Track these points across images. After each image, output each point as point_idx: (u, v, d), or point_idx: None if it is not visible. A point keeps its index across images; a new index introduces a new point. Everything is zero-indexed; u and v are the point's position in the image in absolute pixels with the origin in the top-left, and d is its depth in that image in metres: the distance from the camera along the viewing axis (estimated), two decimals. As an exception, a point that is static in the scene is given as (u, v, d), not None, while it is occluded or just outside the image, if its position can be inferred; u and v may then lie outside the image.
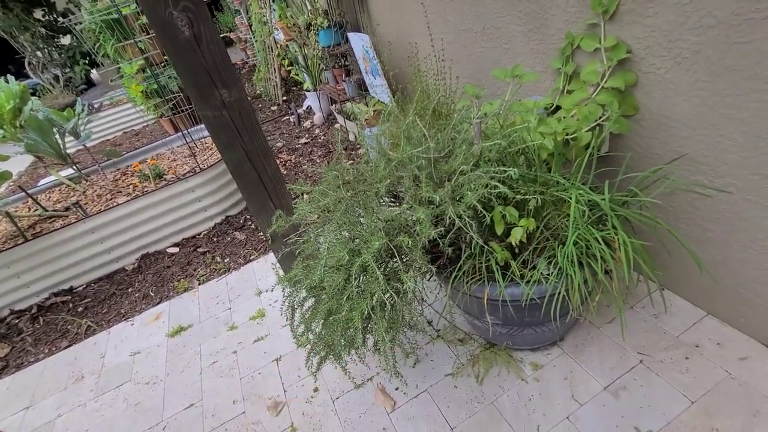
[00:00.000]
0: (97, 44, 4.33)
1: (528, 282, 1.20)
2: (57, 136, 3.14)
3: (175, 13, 1.50)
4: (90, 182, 3.47)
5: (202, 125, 3.86)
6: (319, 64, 4.05)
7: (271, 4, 4.64)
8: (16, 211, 3.24)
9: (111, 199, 3.10)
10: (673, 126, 1.35)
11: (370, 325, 1.14)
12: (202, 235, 3.04)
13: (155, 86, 4.39)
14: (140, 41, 3.98)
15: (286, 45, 4.74)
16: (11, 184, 5.30)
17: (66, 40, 7.68)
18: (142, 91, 4.49)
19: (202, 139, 3.77)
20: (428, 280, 1.49)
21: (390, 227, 1.11)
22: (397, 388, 1.64)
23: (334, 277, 1.11)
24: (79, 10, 6.63)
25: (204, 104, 1.73)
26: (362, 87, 3.51)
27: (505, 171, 1.04)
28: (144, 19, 4.23)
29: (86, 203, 3.12)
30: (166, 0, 1.45)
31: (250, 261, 2.67)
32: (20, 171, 5.90)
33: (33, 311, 2.70)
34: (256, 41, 5.66)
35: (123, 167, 3.66)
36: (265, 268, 2.56)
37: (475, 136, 1.17)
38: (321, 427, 1.58)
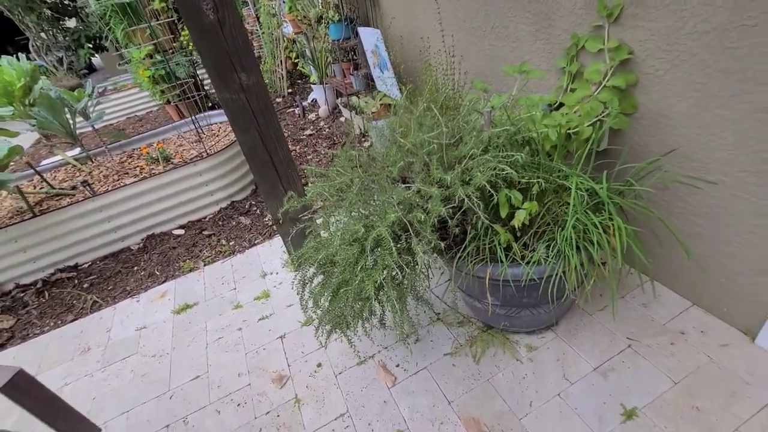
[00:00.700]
0: (108, 27, 4.36)
1: (528, 263, 1.28)
2: (68, 115, 3.18)
3: (203, -4, 1.56)
4: (96, 163, 3.52)
5: (209, 113, 3.92)
6: (327, 58, 4.12)
7: (281, -4, 4.70)
8: (22, 187, 3.27)
9: (118, 180, 3.15)
10: (669, 124, 1.44)
11: (381, 296, 1.21)
12: (207, 219, 3.10)
13: (163, 72, 4.44)
14: (151, 26, 4.02)
15: (294, 38, 4.80)
16: (15, 162, 5.31)
17: (71, 23, 7.68)
18: (149, 77, 4.54)
19: (209, 126, 3.83)
20: (435, 260, 1.57)
21: (404, 205, 1.19)
22: (398, 365, 1.72)
23: (349, 250, 1.18)
24: (87, -7, 6.65)
25: (223, 87, 1.80)
26: (369, 81, 3.58)
27: (512, 156, 1.12)
28: (156, 4, 4.28)
29: (92, 183, 3.17)
30: (195, -16, 1.51)
31: (255, 245, 2.74)
32: (25, 149, 5.89)
33: (38, 286, 2.75)
34: (263, 33, 5.71)
35: (129, 150, 3.71)
36: (269, 252, 2.63)
37: (485, 124, 1.25)
38: (324, 399, 1.66)
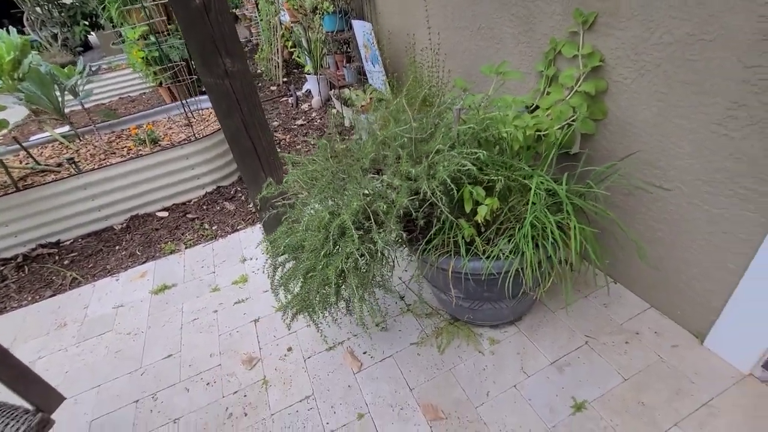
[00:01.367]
0: (102, 6, 4.33)
1: (489, 257, 1.33)
2: (57, 92, 3.18)
3: (189, -20, 1.58)
4: (84, 141, 3.51)
5: (201, 97, 3.92)
6: (322, 49, 4.13)
7: (280, -16, 4.69)
8: (8, 161, 3.27)
9: (104, 159, 3.15)
10: (634, 132, 1.50)
11: (343, 283, 1.26)
12: (192, 202, 3.12)
13: (157, 53, 4.42)
14: (146, 7, 4.01)
15: (291, 27, 4.80)
16: (3, 136, 5.27)
17: (68, -1, 7.57)
18: (143, 58, 4.52)
19: (199, 111, 3.83)
20: (401, 249, 1.62)
21: (372, 196, 1.23)
22: (365, 352, 1.77)
23: (315, 236, 1.22)
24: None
25: (207, 71, 1.83)
26: (362, 74, 3.61)
27: (475, 153, 1.17)
28: (151, -15, 4.24)
29: (79, 161, 3.17)
30: (181, -33, 1.53)
31: (237, 230, 2.77)
32: (15, 122, 5.83)
33: (18, 260, 2.76)
34: (261, 20, 5.70)
35: (118, 130, 3.70)
36: (251, 238, 2.66)
37: (454, 121, 1.29)
38: (291, 381, 1.71)
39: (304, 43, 4.39)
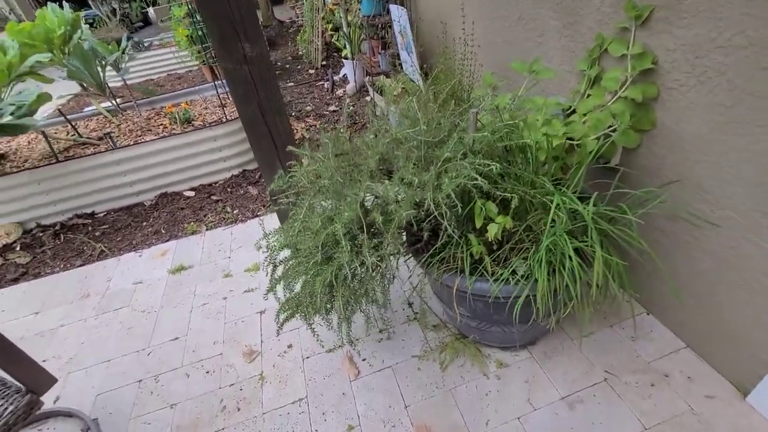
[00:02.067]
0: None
1: (497, 280, 1.20)
2: (99, 67, 3.28)
3: (205, -39, 1.51)
4: (125, 117, 3.63)
5: (237, 78, 3.93)
6: (360, 33, 4.01)
7: (324, -36, 4.58)
8: (55, 132, 3.44)
9: (140, 136, 3.24)
10: (685, 148, 1.29)
11: (332, 293, 1.18)
12: (217, 184, 3.15)
13: (200, 32, 4.48)
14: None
15: (333, 9, 4.69)
16: (55, 108, 5.59)
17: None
18: (187, 36, 4.60)
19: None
20: (404, 261, 1.51)
21: (375, 203, 1.13)
22: (364, 359, 1.70)
23: (307, 241, 1.14)
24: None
25: (226, 56, 1.78)
26: (397, 62, 3.46)
27: (488, 165, 1.03)
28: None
29: (118, 136, 3.28)
30: (197, -53, 1.46)
31: (257, 216, 2.76)
32: (73, 93, 6.15)
33: (56, 228, 2.91)
34: (305, 1, 5.63)
35: (158, 107, 3.80)
36: (269, 225, 2.63)
37: (470, 126, 1.16)
38: (287, 381, 1.67)
39: (344, 27, 4.28)
